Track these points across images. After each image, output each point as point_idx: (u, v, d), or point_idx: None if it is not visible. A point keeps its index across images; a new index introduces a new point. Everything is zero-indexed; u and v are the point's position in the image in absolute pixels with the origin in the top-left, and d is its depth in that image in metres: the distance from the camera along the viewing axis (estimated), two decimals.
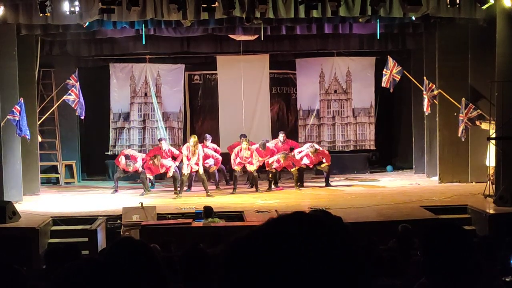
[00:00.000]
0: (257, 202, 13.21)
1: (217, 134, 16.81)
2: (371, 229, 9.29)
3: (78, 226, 11.55)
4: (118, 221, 11.54)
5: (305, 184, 15.39)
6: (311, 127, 17.63)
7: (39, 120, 15.01)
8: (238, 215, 11.95)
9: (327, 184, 15.19)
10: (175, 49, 16.57)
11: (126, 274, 1.72)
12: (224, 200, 13.68)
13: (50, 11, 12.06)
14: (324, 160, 15.06)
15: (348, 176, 16.82)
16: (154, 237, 9.02)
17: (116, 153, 16.38)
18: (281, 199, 13.60)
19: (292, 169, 14.75)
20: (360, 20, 13.46)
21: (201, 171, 14.33)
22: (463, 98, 13.92)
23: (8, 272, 3.60)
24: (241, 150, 14.59)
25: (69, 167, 16.82)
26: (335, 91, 17.58)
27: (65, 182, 16.59)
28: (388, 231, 8.83)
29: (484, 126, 13.49)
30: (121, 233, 11.04)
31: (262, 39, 14.69)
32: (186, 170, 14.22)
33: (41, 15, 12.01)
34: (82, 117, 15.09)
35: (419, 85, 15.09)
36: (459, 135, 13.92)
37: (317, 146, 15.24)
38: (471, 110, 13.69)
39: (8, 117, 12.83)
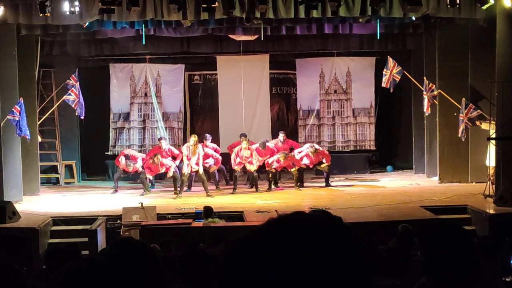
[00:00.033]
0: (257, 202, 13.21)
1: (217, 134, 16.81)
2: (371, 229, 9.29)
3: (78, 226, 11.55)
4: (118, 221, 11.53)
5: (305, 184, 15.40)
6: (311, 127, 17.63)
7: (39, 120, 15.01)
8: (238, 215, 11.95)
9: (327, 184, 15.19)
10: (175, 49, 16.57)
11: (126, 274, 1.72)
12: (224, 200, 13.68)
13: (50, 11, 12.06)
14: (324, 160, 15.06)
15: (348, 176, 16.82)
16: (154, 237, 9.02)
17: (116, 153, 16.38)
18: (281, 199, 13.60)
19: (292, 169, 14.75)
20: (360, 20, 13.46)
21: (201, 171, 14.33)
22: (463, 98, 13.92)
23: (8, 272, 3.60)
24: (241, 149, 14.60)
25: (69, 167, 16.82)
26: (335, 91, 17.58)
27: (65, 182, 16.59)
28: (388, 231, 8.83)
29: (484, 126, 13.49)
30: (121, 233, 11.03)
31: (262, 39, 14.69)
32: (186, 170, 14.22)
33: (41, 15, 12.01)
34: (82, 117, 15.09)
35: (419, 85, 15.09)
36: (459, 135, 13.92)
37: (317, 146, 15.24)
38: (471, 110, 13.69)
39: (8, 117, 12.83)
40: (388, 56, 15.23)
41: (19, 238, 10.66)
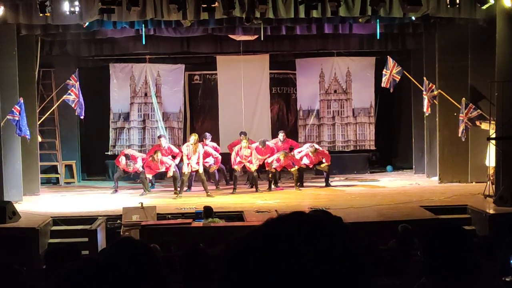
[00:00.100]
0: (257, 202, 13.21)
1: (217, 134, 16.81)
2: (371, 229, 9.30)
3: (78, 226, 11.56)
4: (118, 221, 11.53)
5: (305, 184, 15.40)
6: (311, 127, 17.63)
7: (39, 120, 15.01)
8: (238, 215, 11.95)
9: (327, 184, 15.19)
10: (175, 49, 16.57)
11: (126, 274, 1.71)
12: (224, 200, 13.68)
13: (50, 11, 12.06)
14: (324, 160, 15.06)
15: (348, 176, 16.82)
16: (154, 237, 9.02)
17: (116, 153, 16.39)
18: (281, 199, 13.60)
19: (292, 169, 14.75)
20: (360, 20, 13.46)
21: (201, 170, 14.31)
22: (463, 98, 13.92)
23: (8, 272, 3.60)
24: (241, 148, 14.60)
25: (69, 167, 16.82)
26: (335, 91, 17.58)
27: (65, 182, 16.59)
28: (388, 231, 8.83)
29: (484, 126, 13.49)
30: (121, 233, 11.03)
31: (262, 39, 14.68)
32: (186, 170, 14.22)
33: (41, 15, 12.01)
34: (82, 117, 15.10)
35: (419, 85, 15.09)
36: (459, 135, 13.92)
37: (317, 146, 15.24)
38: (471, 110, 13.69)
39: (8, 117, 12.83)
40: (388, 56, 15.24)
41: (19, 238, 10.66)
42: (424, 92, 14.59)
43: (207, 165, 14.78)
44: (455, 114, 14.24)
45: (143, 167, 14.66)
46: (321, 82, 17.55)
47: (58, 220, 11.88)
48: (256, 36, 15.23)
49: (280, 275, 1.21)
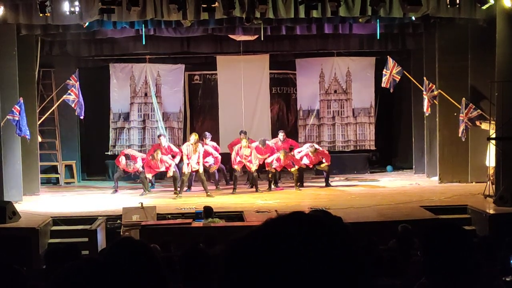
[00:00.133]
0: (257, 202, 13.21)
1: (217, 134, 16.81)
2: (371, 229, 9.30)
3: (78, 226, 11.56)
4: (118, 221, 11.53)
5: (305, 184, 15.40)
6: (311, 127, 17.64)
7: (39, 120, 15.01)
8: (238, 215, 11.94)
9: (327, 184, 15.19)
10: (175, 49, 16.57)
11: (126, 274, 1.71)
12: (224, 200, 13.68)
13: (50, 11, 12.06)
14: (324, 160, 15.06)
15: (348, 176, 16.82)
16: (154, 237, 9.02)
17: (116, 153, 16.39)
18: (281, 199, 13.60)
19: (292, 169, 14.75)
20: (360, 20, 13.46)
21: (201, 170, 14.31)
22: (464, 98, 13.92)
23: (8, 272, 3.60)
24: (241, 148, 14.60)
25: (69, 167, 16.82)
26: (335, 91, 17.58)
27: (65, 182, 16.59)
28: (388, 231, 8.83)
29: (484, 126, 13.49)
30: (121, 233, 11.03)
31: (262, 39, 14.69)
32: (186, 169, 14.22)
33: (41, 15, 12.01)
34: (82, 117, 15.10)
35: (419, 85, 15.09)
36: (460, 135, 13.92)
37: (317, 146, 15.24)
38: (471, 110, 13.69)
39: (8, 117, 12.83)
40: (388, 56, 15.24)
41: (19, 238, 10.66)
42: (424, 92, 14.59)
43: (207, 165, 14.78)
44: (455, 114, 14.24)
45: (143, 167, 14.66)
46: (321, 82, 17.55)
47: (58, 220, 11.88)
48: (256, 36, 15.23)
49: (280, 275, 1.21)
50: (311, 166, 15.27)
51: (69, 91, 14.60)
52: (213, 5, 11.99)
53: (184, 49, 16.48)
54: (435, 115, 14.95)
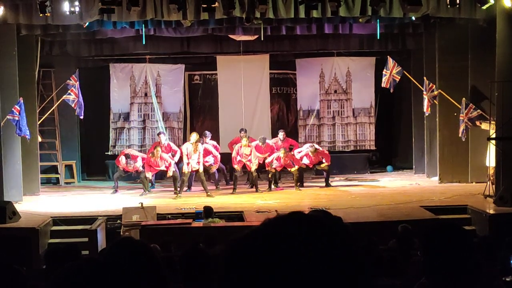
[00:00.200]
0: (257, 202, 13.21)
1: (217, 134, 16.81)
2: (371, 229, 9.30)
3: (78, 226, 11.56)
4: (118, 221, 11.54)
5: (305, 184, 15.40)
6: (311, 127, 17.64)
7: (39, 120, 15.01)
8: (238, 215, 11.94)
9: (327, 184, 15.19)
10: (175, 49, 16.58)
11: (126, 274, 1.71)
12: (224, 200, 13.68)
13: (50, 11, 12.06)
14: (324, 160, 15.06)
15: (348, 176, 16.82)
16: (154, 237, 9.02)
17: (116, 153, 16.39)
18: (281, 199, 13.60)
19: (292, 169, 14.75)
20: (360, 20, 13.46)
21: (201, 169, 14.30)
22: (464, 98, 13.92)
23: (8, 272, 3.59)
24: (241, 147, 14.60)
25: (69, 167, 16.82)
26: (335, 91, 17.58)
27: (65, 182, 16.59)
28: (388, 231, 8.83)
29: (484, 126, 13.49)
30: (121, 233, 11.03)
31: (262, 39, 14.69)
32: (186, 169, 14.22)
33: (41, 15, 12.01)
34: (81, 117, 15.11)
35: (419, 85, 15.09)
36: (460, 135, 13.91)
37: (317, 146, 15.25)
38: (472, 110, 13.68)
39: (8, 117, 12.83)
40: (388, 56, 15.24)
41: (19, 238, 10.66)
42: (424, 92, 14.59)
43: (207, 164, 14.77)
44: (455, 114, 14.24)
45: (143, 166, 14.65)
46: (321, 82, 17.55)
47: (58, 220, 11.88)
48: (256, 36, 15.23)
49: (280, 275, 1.21)
50: (311, 166, 15.27)
51: (69, 91, 14.60)
52: (213, 5, 12.00)
53: (184, 49, 16.48)
54: (435, 115, 14.95)
